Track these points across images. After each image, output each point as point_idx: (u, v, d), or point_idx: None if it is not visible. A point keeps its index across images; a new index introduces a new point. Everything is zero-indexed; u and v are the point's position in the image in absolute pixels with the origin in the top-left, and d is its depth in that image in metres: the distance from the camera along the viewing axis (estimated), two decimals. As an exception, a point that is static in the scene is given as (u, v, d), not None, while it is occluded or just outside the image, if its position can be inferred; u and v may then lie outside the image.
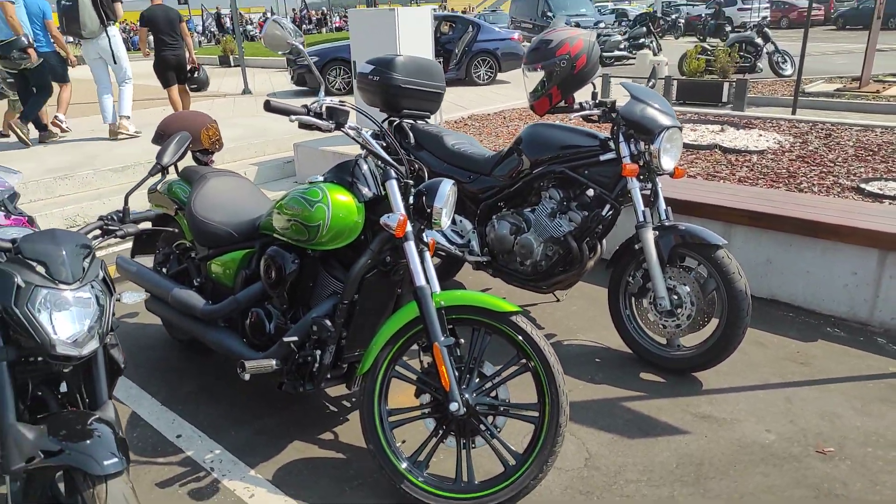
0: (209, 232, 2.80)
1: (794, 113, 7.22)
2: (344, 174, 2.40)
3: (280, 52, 2.42)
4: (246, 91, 12.33)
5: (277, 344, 2.39)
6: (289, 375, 2.43)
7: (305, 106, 2.26)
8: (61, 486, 1.67)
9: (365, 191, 2.33)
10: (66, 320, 1.61)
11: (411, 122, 3.83)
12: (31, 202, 5.31)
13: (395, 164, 2.32)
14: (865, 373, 2.85)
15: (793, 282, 3.44)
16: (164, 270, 3.13)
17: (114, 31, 6.84)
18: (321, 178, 2.41)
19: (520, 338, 2.15)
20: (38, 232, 1.70)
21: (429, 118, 3.98)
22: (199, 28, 29.29)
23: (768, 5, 26.00)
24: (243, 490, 2.28)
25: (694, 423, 2.56)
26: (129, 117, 7.14)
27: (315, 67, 2.34)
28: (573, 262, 3.09)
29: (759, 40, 12.17)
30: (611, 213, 3.01)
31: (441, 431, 2.22)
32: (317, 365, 2.39)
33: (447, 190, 2.25)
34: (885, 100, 8.98)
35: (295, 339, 2.35)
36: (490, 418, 2.19)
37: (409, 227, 2.20)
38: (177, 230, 3.05)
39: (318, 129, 2.28)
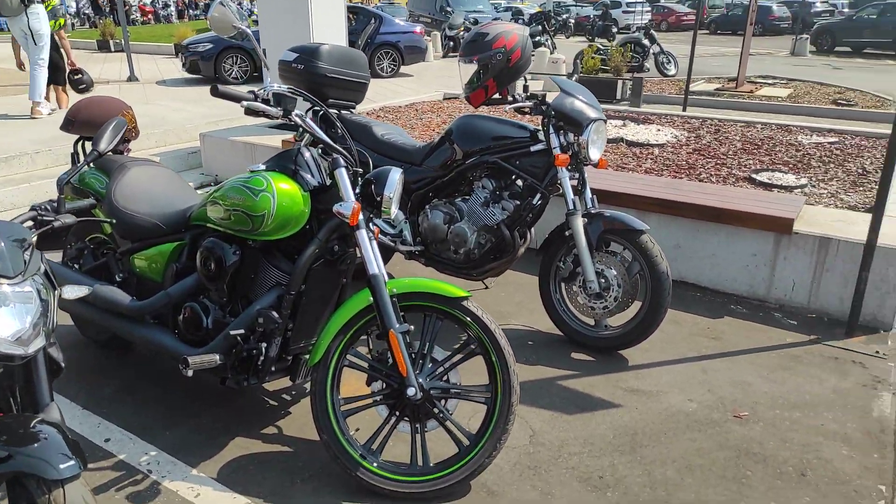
0: (134, 224, 2.64)
1: (684, 110, 7.77)
2: (286, 163, 2.35)
3: (226, 36, 2.32)
4: (132, 78, 11.57)
5: (222, 337, 2.30)
6: (232, 370, 2.35)
7: (252, 92, 2.20)
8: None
9: (309, 178, 2.30)
10: (7, 317, 1.49)
11: (336, 111, 3.79)
12: None
13: (343, 152, 2.30)
14: (767, 344, 3.16)
15: (700, 264, 3.74)
16: (77, 266, 2.92)
17: (36, 9, 6.96)
18: (262, 167, 2.34)
19: (469, 320, 2.21)
20: None
21: (353, 108, 3.95)
22: (73, 10, 27.04)
23: (650, 9, 27.75)
24: (187, 490, 2.19)
25: (625, 396, 2.74)
26: (39, 102, 7.22)
27: (263, 54, 2.27)
28: (506, 249, 3.18)
29: (645, 41, 12.98)
30: (540, 201, 3.13)
31: (394, 418, 2.24)
32: (262, 358, 2.32)
33: (396, 178, 2.26)
34: (758, 99, 9.88)
35: (241, 331, 2.28)
36: (443, 402, 2.23)
37: (361, 216, 2.19)
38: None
39: (267, 115, 2.23)
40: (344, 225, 2.23)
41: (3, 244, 1.53)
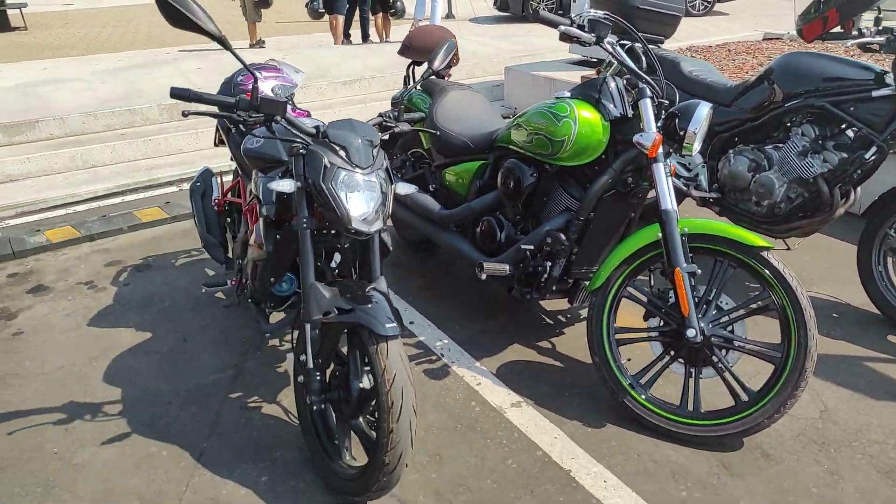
0: (448, 141, 2.96)
1: None
2: (591, 91, 2.39)
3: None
4: (449, 15, 12.48)
5: (513, 250, 2.51)
6: (518, 282, 2.56)
7: (569, 18, 2.28)
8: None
9: (612, 108, 2.31)
10: (359, 200, 1.82)
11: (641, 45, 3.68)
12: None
13: (651, 82, 2.27)
14: None
15: None
16: (399, 175, 3.39)
17: None
18: (568, 94, 2.42)
19: (768, 273, 2.06)
20: (339, 121, 1.92)
21: (662, 44, 3.78)
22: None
23: None
24: (471, 377, 2.49)
25: (952, 395, 2.31)
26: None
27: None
28: (820, 207, 2.83)
29: None
30: (875, 156, 2.69)
31: (668, 357, 2.23)
32: (546, 276, 2.48)
33: (703, 114, 2.16)
34: None
35: (530, 247, 2.45)
36: (724, 352, 2.14)
37: (661, 149, 2.16)
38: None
39: (580, 41, 2.29)
40: (641, 157, 2.22)
41: (359, 141, 1.86)
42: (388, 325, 1.75)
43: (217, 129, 3.14)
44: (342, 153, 1.83)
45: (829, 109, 2.77)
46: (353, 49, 7.98)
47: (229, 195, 2.96)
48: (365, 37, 8.83)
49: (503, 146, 2.71)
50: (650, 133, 2.15)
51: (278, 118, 1.83)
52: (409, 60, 3.59)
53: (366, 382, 1.87)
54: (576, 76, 5.59)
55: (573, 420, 2.26)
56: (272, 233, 2.05)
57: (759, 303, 2.13)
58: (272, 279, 2.18)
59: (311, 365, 1.82)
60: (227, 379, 2.53)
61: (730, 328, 2.16)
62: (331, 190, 1.79)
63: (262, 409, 2.35)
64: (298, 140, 1.86)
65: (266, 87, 2.48)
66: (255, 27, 8.39)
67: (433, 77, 3.42)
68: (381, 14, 8.81)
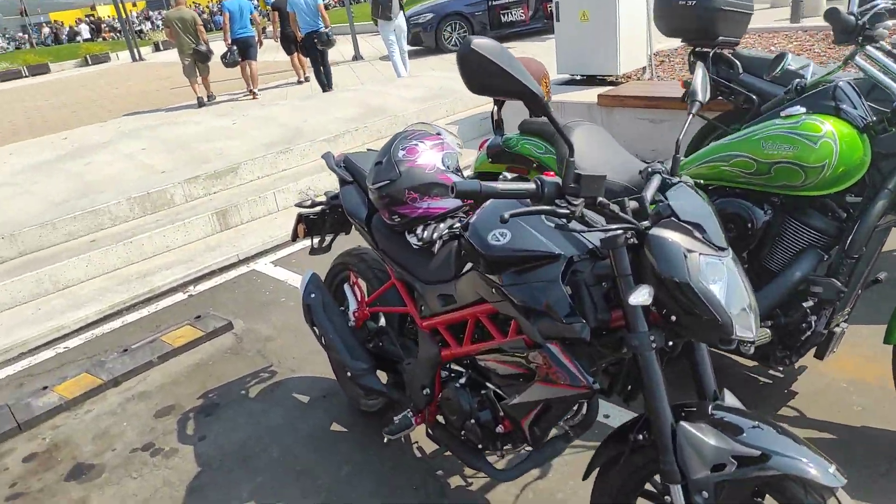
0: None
1: None
2: (823, 101, 1.99)
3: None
4: (357, 56, 12.03)
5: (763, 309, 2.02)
6: (779, 346, 2.07)
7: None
8: None
9: (857, 116, 1.93)
10: (732, 295, 1.27)
11: (723, 51, 3.37)
12: (259, 178, 5.18)
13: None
14: None
15: None
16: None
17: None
18: (803, 110, 1.99)
19: None
20: (676, 189, 1.37)
21: (737, 45, 3.49)
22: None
23: None
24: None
25: None
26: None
27: None
28: None
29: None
30: None
31: None
32: (810, 331, 2.01)
33: None
34: None
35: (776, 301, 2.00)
36: None
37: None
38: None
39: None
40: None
41: (707, 210, 1.33)
42: (830, 471, 1.20)
43: (300, 220, 2.47)
44: (697, 233, 1.29)
45: None
46: (302, 102, 7.31)
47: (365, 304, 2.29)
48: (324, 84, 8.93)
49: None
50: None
51: (601, 200, 1.27)
52: (491, 101, 3.05)
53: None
54: (585, 96, 5.26)
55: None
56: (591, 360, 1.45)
57: None
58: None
59: None
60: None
61: None
62: (703, 288, 1.23)
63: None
64: (618, 226, 1.30)
65: (436, 158, 1.88)
66: (206, 80, 9.27)
67: (530, 117, 2.98)
68: (296, 54, 9.56)
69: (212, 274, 4.07)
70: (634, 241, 1.31)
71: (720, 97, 3.34)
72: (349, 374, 2.12)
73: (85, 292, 3.88)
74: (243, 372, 2.97)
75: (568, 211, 1.25)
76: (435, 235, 1.88)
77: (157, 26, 27.38)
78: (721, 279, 1.27)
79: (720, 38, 3.30)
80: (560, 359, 1.40)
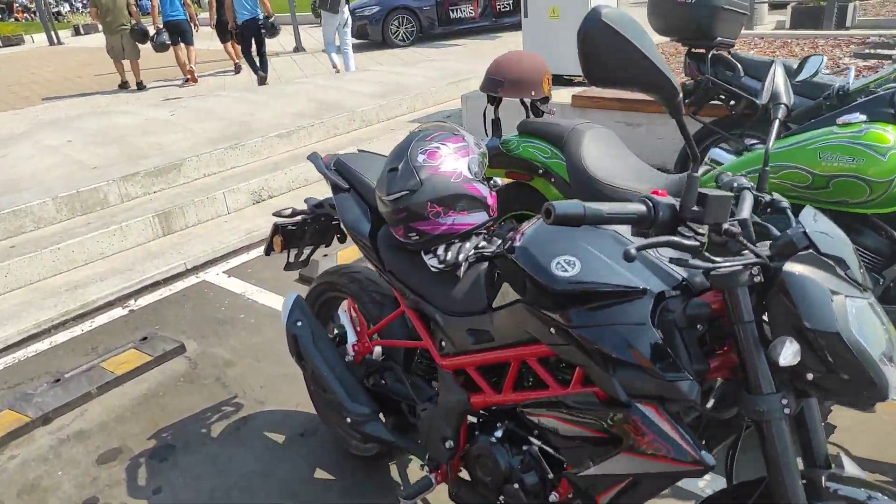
0: (606, 197, 2.21)
1: None
2: (882, 108, 1.81)
3: None
4: (299, 48, 11.47)
5: None
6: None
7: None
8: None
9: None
10: (884, 344, 1.03)
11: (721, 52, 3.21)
12: (206, 176, 4.70)
13: None
14: None
15: None
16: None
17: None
18: (863, 118, 1.79)
19: None
20: (805, 213, 1.11)
21: (733, 46, 3.33)
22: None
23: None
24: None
25: None
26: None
27: None
28: None
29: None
30: None
31: None
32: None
33: None
34: None
35: None
36: None
37: None
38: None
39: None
40: None
41: (844, 242, 1.08)
42: None
43: (277, 230, 2.11)
44: (840, 269, 1.04)
45: None
46: (250, 93, 6.80)
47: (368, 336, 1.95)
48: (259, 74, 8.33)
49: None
50: None
51: (727, 227, 1.00)
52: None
53: None
54: (557, 96, 5.03)
55: None
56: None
57: None
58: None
59: None
60: None
61: None
62: (854, 340, 0.98)
63: None
64: (737, 261, 1.03)
65: (461, 164, 1.56)
66: (135, 65, 8.58)
67: (530, 117, 2.70)
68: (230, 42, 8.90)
69: (155, 285, 3.60)
70: (760, 279, 1.05)
71: (720, 101, 3.18)
72: (348, 419, 1.78)
73: (4, 308, 3.34)
74: (201, 405, 2.56)
75: (696, 242, 0.98)
76: (461, 257, 1.57)
77: (77, 9, 25.60)
78: (872, 327, 1.02)
79: (718, 38, 3.13)
80: (658, 425, 1.12)
